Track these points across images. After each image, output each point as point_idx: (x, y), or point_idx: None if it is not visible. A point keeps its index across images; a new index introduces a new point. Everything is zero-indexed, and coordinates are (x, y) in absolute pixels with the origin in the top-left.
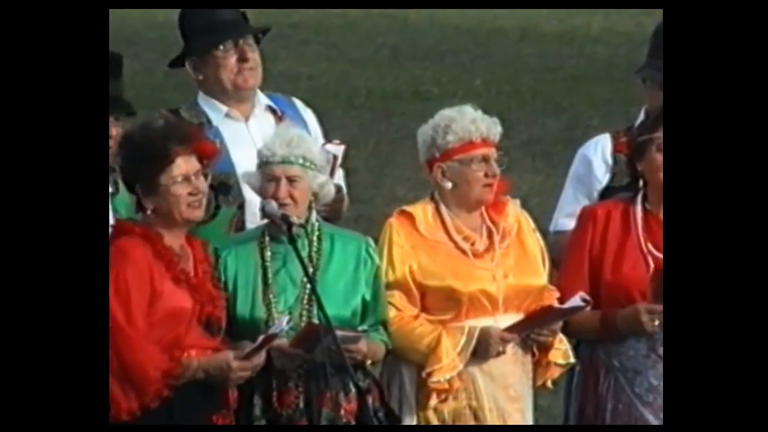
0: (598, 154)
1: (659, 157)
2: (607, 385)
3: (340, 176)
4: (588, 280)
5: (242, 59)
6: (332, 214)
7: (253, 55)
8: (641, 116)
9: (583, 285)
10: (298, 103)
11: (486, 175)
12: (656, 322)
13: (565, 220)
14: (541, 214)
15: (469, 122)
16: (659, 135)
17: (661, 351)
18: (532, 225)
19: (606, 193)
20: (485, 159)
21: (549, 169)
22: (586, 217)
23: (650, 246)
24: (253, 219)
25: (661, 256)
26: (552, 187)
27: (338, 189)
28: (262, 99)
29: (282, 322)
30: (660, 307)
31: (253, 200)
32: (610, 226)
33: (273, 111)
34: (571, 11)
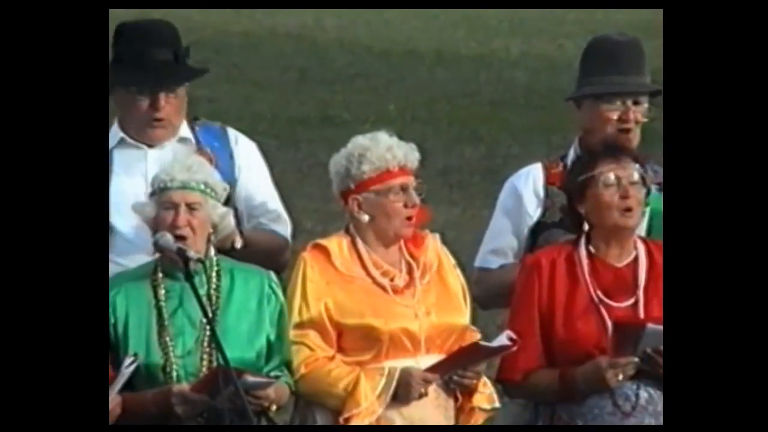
0: (530, 186)
1: (606, 193)
2: None
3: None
4: (540, 337)
5: (154, 108)
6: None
7: (170, 105)
8: (575, 145)
9: (536, 343)
10: (231, 135)
11: (405, 206)
12: (620, 377)
13: (491, 257)
14: (458, 249)
15: (384, 150)
16: (602, 170)
17: (627, 407)
18: (453, 261)
19: (537, 228)
20: (404, 188)
21: (466, 200)
22: (529, 268)
23: (600, 294)
24: None
25: (613, 304)
26: (469, 219)
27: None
28: (182, 131)
29: (124, 364)
30: (623, 361)
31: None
32: (556, 277)
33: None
34: (488, 34)
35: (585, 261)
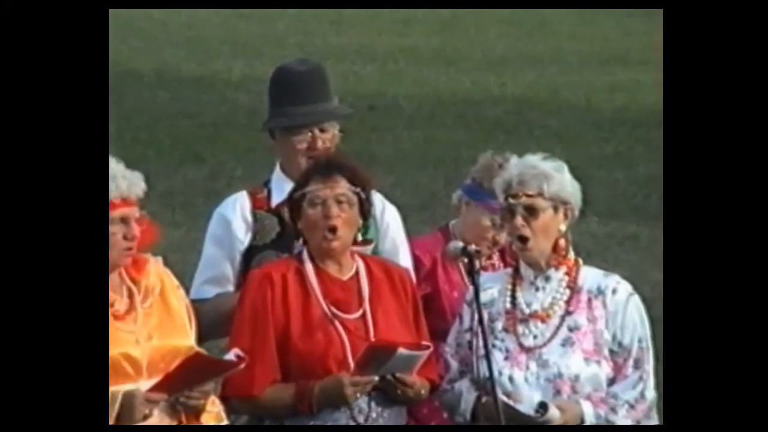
0: (237, 212)
1: (312, 212)
2: None
3: None
4: (276, 351)
5: None
6: None
7: None
8: (277, 169)
9: (271, 356)
10: None
11: (125, 238)
12: (359, 394)
13: (207, 287)
14: (182, 272)
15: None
16: (310, 189)
17: (360, 419)
18: (176, 282)
19: (249, 252)
20: (124, 220)
21: (190, 222)
22: (260, 281)
23: (331, 307)
24: None
25: (344, 316)
26: (193, 241)
27: None
28: None
29: None
30: (365, 380)
31: None
32: (289, 290)
33: None
34: (209, 55)
35: (313, 275)
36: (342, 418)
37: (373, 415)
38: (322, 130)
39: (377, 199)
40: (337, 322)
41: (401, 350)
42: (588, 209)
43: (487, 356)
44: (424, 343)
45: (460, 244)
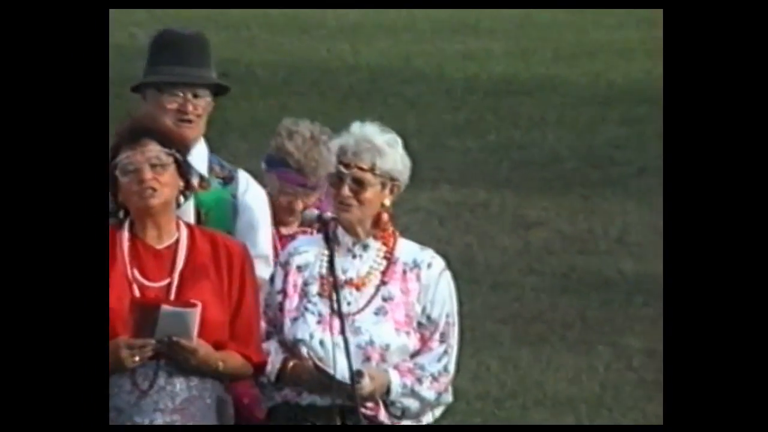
0: None
1: (125, 180)
2: None
3: None
4: None
5: None
6: None
7: None
8: None
9: None
10: None
11: None
12: (136, 358)
13: None
14: None
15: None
16: (120, 157)
17: (145, 385)
18: None
19: None
20: None
21: None
22: None
23: (136, 272)
24: None
25: (147, 283)
26: None
27: None
28: None
29: None
30: (139, 342)
31: None
32: None
33: None
34: None
35: (126, 241)
36: (126, 384)
37: (161, 382)
38: (195, 95)
39: (243, 178)
40: (135, 288)
41: (164, 306)
42: (440, 176)
43: (342, 324)
44: (192, 300)
45: (316, 211)
